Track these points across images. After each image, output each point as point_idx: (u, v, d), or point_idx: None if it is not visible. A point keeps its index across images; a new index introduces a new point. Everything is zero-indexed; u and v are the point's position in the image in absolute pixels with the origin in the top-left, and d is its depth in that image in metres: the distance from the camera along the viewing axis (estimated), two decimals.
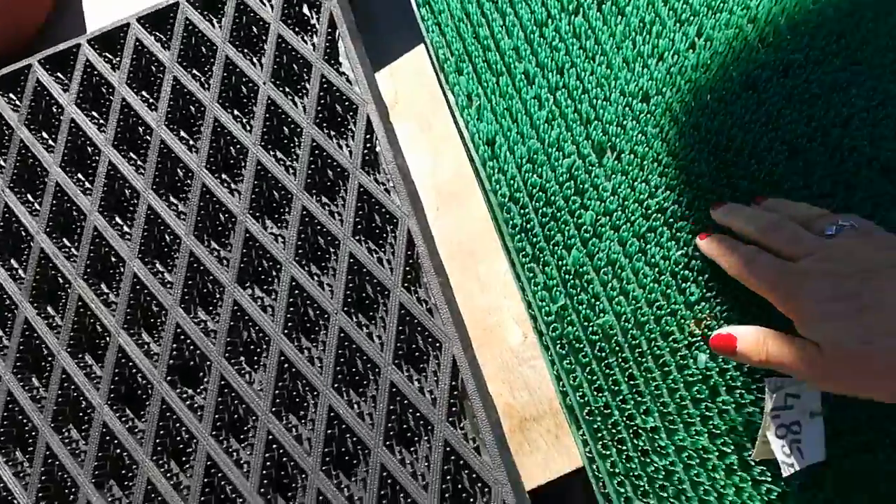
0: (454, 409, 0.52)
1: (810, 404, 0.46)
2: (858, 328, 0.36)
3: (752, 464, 0.48)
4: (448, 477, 0.51)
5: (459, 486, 0.52)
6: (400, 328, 0.54)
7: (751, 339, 0.43)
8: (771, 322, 0.45)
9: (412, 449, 0.54)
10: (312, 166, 0.59)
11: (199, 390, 0.58)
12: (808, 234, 0.42)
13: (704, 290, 0.50)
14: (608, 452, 0.50)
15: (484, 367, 0.55)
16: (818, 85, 0.52)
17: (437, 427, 0.51)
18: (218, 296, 0.58)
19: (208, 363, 0.56)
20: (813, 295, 0.37)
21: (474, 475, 0.51)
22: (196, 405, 0.56)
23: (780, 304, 0.42)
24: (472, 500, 0.52)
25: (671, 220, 0.52)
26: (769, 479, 0.47)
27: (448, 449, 0.51)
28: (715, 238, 0.46)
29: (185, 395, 0.57)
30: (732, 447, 0.48)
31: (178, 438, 0.57)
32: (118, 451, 0.57)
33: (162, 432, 0.56)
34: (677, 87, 0.54)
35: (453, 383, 0.52)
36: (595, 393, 0.51)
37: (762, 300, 0.48)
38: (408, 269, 0.55)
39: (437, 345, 0.53)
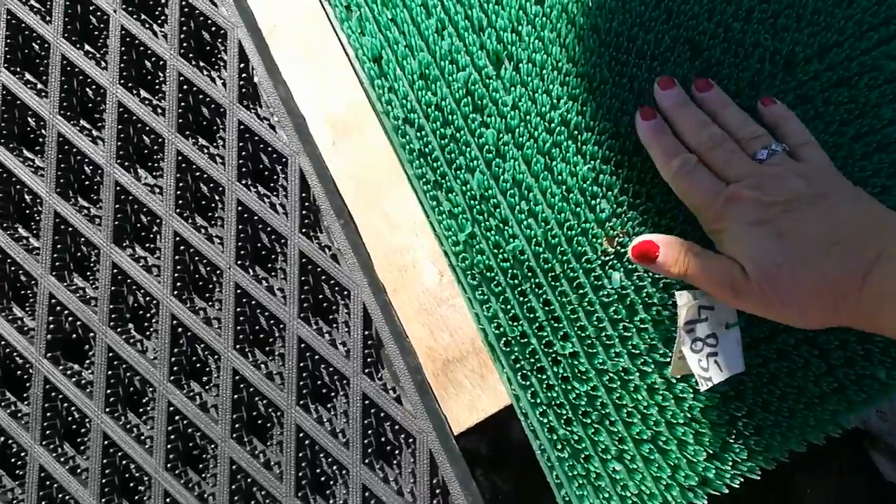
0: (370, 359, 0.48)
1: (725, 315, 0.44)
2: (774, 252, 0.36)
3: (674, 381, 0.46)
4: (370, 431, 0.47)
5: (383, 439, 0.49)
6: (303, 278, 0.49)
7: (672, 249, 0.41)
8: (684, 237, 0.43)
9: (329, 406, 0.49)
10: (183, 104, 0.51)
11: (85, 364, 0.51)
12: (742, 159, 0.41)
13: (615, 206, 0.47)
14: (528, 383, 0.47)
15: (400, 311, 0.50)
16: None
17: (353, 380, 0.47)
18: (94, 259, 0.51)
19: (92, 334, 0.49)
20: (738, 218, 0.38)
21: (397, 426, 0.47)
22: (84, 381, 0.50)
23: (706, 224, 0.41)
24: (397, 452, 0.48)
25: (576, 132, 0.48)
26: (691, 396, 0.46)
27: (367, 402, 0.47)
28: (656, 129, 0.43)
29: (70, 372, 0.50)
30: (653, 366, 0.46)
31: (70, 419, 0.50)
32: (2, 439, 0.50)
33: (49, 414, 0.49)
34: None
35: (366, 332, 0.48)
36: (511, 322, 0.47)
37: (674, 214, 0.45)
38: (305, 212, 0.49)
39: (346, 293, 0.48)
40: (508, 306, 0.47)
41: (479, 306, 0.47)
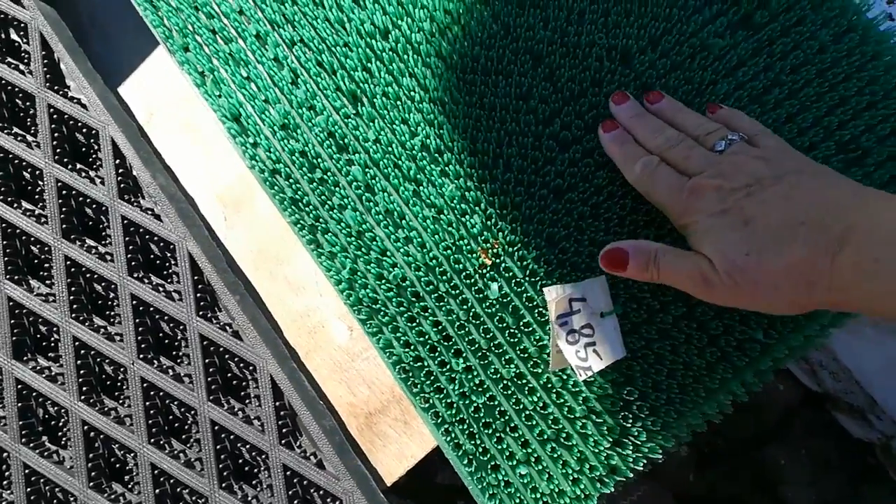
0: (286, 429, 0.47)
1: (598, 305, 0.45)
2: (741, 241, 0.35)
3: (567, 376, 0.47)
4: (297, 501, 0.46)
5: None
6: (207, 360, 0.48)
7: (641, 253, 0.40)
8: (557, 240, 0.44)
9: (254, 482, 0.48)
10: (65, 209, 0.50)
11: (4, 485, 0.49)
12: (702, 152, 0.40)
13: (485, 219, 0.48)
14: (429, 404, 0.47)
15: (316, 373, 0.49)
16: None
17: (271, 454, 0.46)
18: None
19: (6, 454, 0.49)
20: (703, 209, 0.37)
21: (322, 491, 0.46)
22: (4, 502, 0.49)
23: (674, 220, 0.40)
24: None
25: (437, 155, 0.48)
26: (585, 388, 0.46)
27: (289, 472, 0.46)
28: (618, 139, 0.43)
29: None
30: (544, 366, 0.47)
31: None
32: None
33: None
34: (412, 18, 0.50)
35: (278, 403, 0.47)
36: (405, 348, 0.48)
37: (540, 218, 0.47)
38: (200, 295, 0.49)
39: (252, 367, 0.48)
40: (399, 333, 0.48)
41: (371, 338, 0.48)
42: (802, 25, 0.47)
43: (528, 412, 0.45)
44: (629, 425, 0.45)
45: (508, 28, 0.49)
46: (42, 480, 0.48)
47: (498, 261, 0.46)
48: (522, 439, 0.45)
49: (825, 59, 0.47)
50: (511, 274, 0.46)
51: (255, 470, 0.48)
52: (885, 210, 0.33)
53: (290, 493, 0.46)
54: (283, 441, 0.46)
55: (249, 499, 0.46)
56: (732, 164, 0.38)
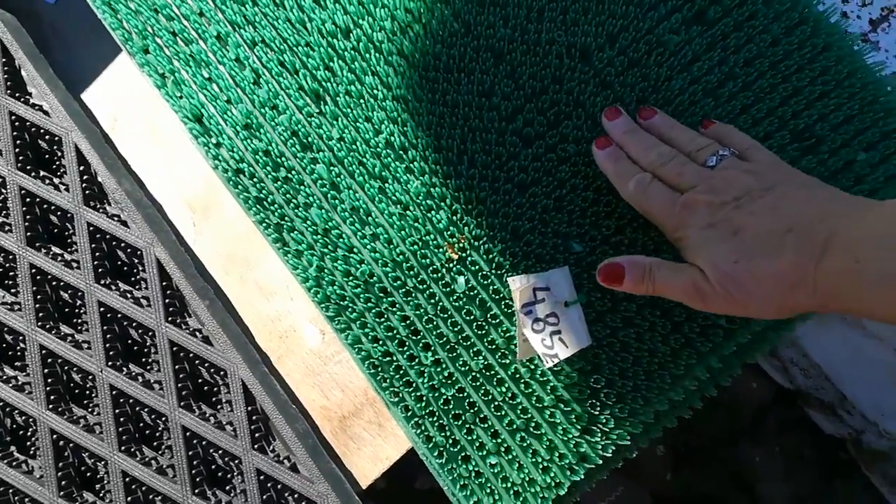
0: (258, 434, 0.47)
1: (562, 294, 0.45)
2: (731, 250, 0.35)
3: (535, 366, 0.47)
4: None
5: None
6: (177, 367, 0.47)
7: (637, 268, 0.40)
8: (521, 233, 0.45)
9: (227, 488, 0.48)
10: (29, 216, 0.49)
11: None
12: (694, 168, 0.41)
13: (451, 214, 0.48)
14: (399, 398, 0.47)
15: (289, 377, 0.49)
16: None
17: (244, 458, 0.46)
18: None
19: None
20: (695, 223, 0.37)
21: (297, 495, 0.46)
22: None
23: (668, 234, 0.40)
24: None
25: (401, 152, 0.49)
26: (552, 377, 0.47)
27: (262, 477, 0.46)
28: (612, 156, 0.44)
29: None
30: (512, 357, 0.47)
31: None
32: None
33: None
34: (373, 17, 0.50)
35: (250, 408, 0.47)
36: (373, 343, 0.48)
37: (505, 212, 0.47)
38: (168, 301, 0.48)
39: (223, 372, 0.47)
40: (367, 329, 0.48)
41: (340, 335, 0.48)
42: (755, 20, 0.48)
43: (497, 403, 0.45)
44: (597, 413, 0.45)
45: (469, 26, 0.49)
46: (11, 491, 0.46)
47: (464, 255, 0.46)
48: (492, 430, 0.45)
49: (777, 51, 0.48)
50: (477, 267, 0.46)
51: (229, 475, 0.47)
52: (866, 214, 0.33)
53: (264, 497, 0.45)
54: (255, 446, 0.46)
55: None
56: (723, 178, 0.38)
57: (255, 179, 0.49)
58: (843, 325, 0.96)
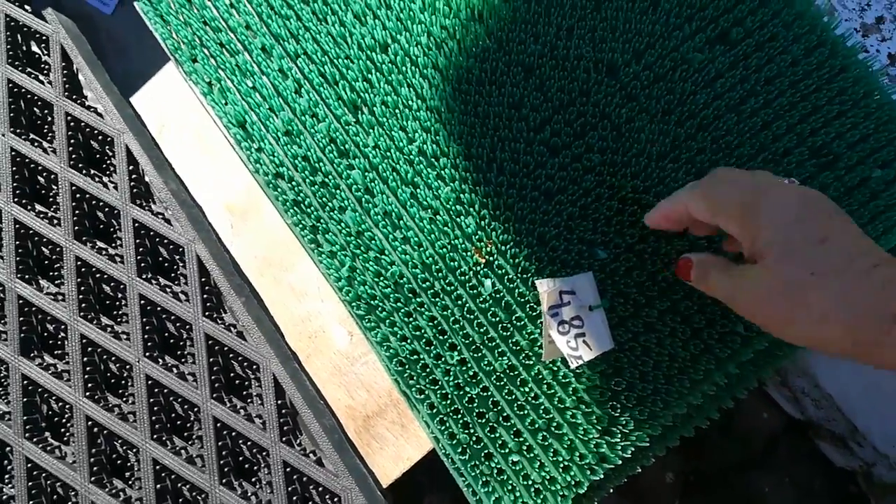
0: (286, 427, 0.48)
1: (587, 298, 0.47)
2: (813, 258, 0.31)
3: (557, 368, 0.49)
4: (296, 498, 0.47)
5: (310, 503, 0.48)
6: (212, 359, 0.49)
7: (698, 268, 0.39)
8: (547, 238, 0.46)
9: (253, 479, 0.49)
10: (78, 212, 0.52)
11: (5, 480, 0.50)
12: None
13: (478, 219, 0.50)
14: (424, 395, 0.49)
15: (316, 376, 0.50)
16: (536, 3, 0.53)
17: (272, 450, 0.47)
18: (3, 373, 0.51)
19: (9, 448, 0.49)
20: (779, 211, 0.33)
21: (321, 488, 0.47)
22: (5, 497, 0.49)
23: (738, 221, 0.35)
24: None
25: (433, 160, 0.51)
26: (574, 379, 0.48)
27: (289, 469, 0.47)
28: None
29: None
30: (535, 359, 0.49)
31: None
32: None
33: None
34: (410, 32, 0.53)
35: (280, 401, 0.48)
36: (401, 342, 0.50)
37: (532, 218, 0.49)
38: (206, 296, 0.50)
39: (255, 366, 0.49)
40: (396, 328, 0.50)
41: (369, 333, 0.50)
42: (775, 41, 0.50)
43: (519, 403, 0.47)
44: (617, 415, 0.46)
45: (501, 42, 0.52)
46: (44, 475, 0.48)
47: (491, 259, 0.48)
48: (514, 429, 0.47)
49: (797, 71, 0.50)
50: (504, 271, 0.48)
51: (255, 467, 0.48)
52: None
53: (289, 489, 0.46)
54: (283, 438, 0.47)
55: (249, 495, 0.47)
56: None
57: (293, 183, 0.51)
58: None
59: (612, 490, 0.46)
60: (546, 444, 0.46)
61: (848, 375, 0.97)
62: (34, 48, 0.53)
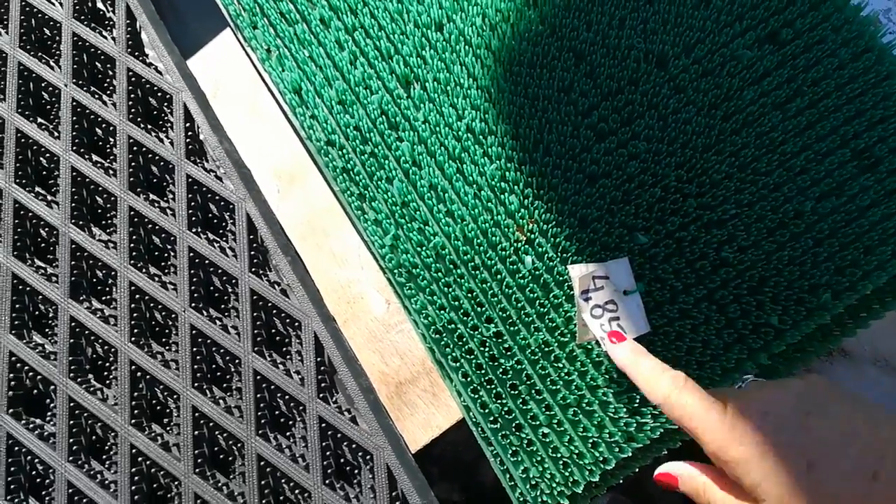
0: (324, 384, 0.48)
1: (621, 283, 0.47)
2: (806, 491, 0.29)
3: (591, 347, 0.49)
4: (328, 453, 0.47)
5: (342, 459, 0.48)
6: (255, 314, 0.49)
7: (690, 484, 0.36)
8: (589, 220, 0.47)
9: (288, 434, 0.49)
10: (133, 164, 0.52)
11: (47, 418, 0.50)
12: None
13: (522, 198, 0.50)
14: (459, 364, 0.50)
15: (352, 340, 0.50)
16: None
17: (308, 406, 0.47)
18: (52, 315, 0.51)
19: (53, 387, 0.49)
20: (753, 441, 0.31)
21: (354, 445, 0.47)
22: (46, 433, 0.49)
23: (715, 450, 0.33)
24: (356, 471, 0.48)
25: (481, 138, 0.52)
26: (607, 359, 0.48)
27: (324, 425, 0.47)
28: (629, 348, 0.41)
29: (32, 426, 0.49)
30: (570, 336, 0.49)
31: (33, 472, 0.49)
32: None
33: (14, 469, 0.49)
34: (465, 13, 0.53)
35: (319, 359, 0.48)
36: (439, 311, 0.50)
37: (574, 200, 0.49)
38: (253, 253, 0.50)
39: (297, 324, 0.48)
40: (435, 297, 0.50)
41: (408, 301, 0.50)
42: (824, 44, 0.51)
43: (552, 378, 0.47)
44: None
45: (554, 28, 0.52)
46: (85, 415, 0.49)
47: (532, 237, 0.49)
48: (545, 403, 0.47)
49: (843, 74, 0.50)
50: (543, 250, 0.49)
51: (291, 422, 0.48)
52: None
53: (322, 444, 0.46)
54: (320, 395, 0.47)
55: (283, 448, 0.47)
56: (769, 392, 0.34)
57: (343, 151, 0.52)
58: (875, 370, 0.96)
59: (637, 470, 0.47)
60: (576, 419, 0.46)
61: (870, 390, 0.97)
62: (99, 4, 0.54)
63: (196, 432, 0.47)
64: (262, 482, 0.47)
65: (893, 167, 0.47)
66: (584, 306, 0.44)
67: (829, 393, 0.32)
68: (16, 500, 0.48)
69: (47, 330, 0.51)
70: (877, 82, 0.49)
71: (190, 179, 0.50)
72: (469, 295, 0.48)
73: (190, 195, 0.50)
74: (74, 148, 0.51)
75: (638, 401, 0.45)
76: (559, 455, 0.45)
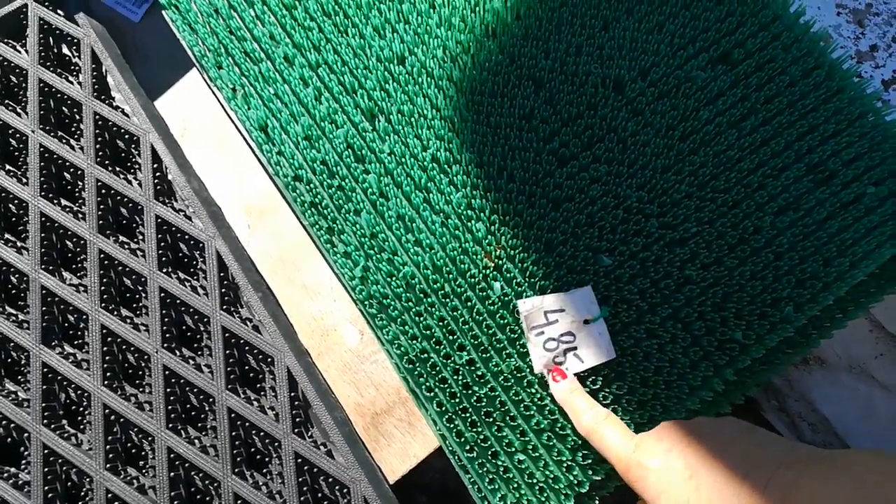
0: (298, 419, 0.47)
1: (582, 312, 0.48)
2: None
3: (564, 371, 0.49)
4: (305, 488, 0.46)
5: (319, 494, 0.47)
6: (228, 352, 0.49)
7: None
8: (554, 244, 0.47)
9: (264, 471, 0.48)
10: (102, 207, 0.52)
11: (21, 466, 0.49)
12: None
13: (488, 225, 0.50)
14: (433, 394, 0.49)
15: (327, 373, 0.50)
16: (547, 21, 0.54)
17: (284, 441, 0.46)
18: (24, 361, 0.50)
19: (27, 434, 0.48)
20: (651, 466, 0.38)
21: (331, 479, 0.46)
22: (21, 482, 0.48)
23: (625, 479, 0.40)
24: None
25: (446, 167, 0.52)
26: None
27: (300, 460, 0.46)
28: (567, 387, 0.46)
29: (7, 475, 0.48)
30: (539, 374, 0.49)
31: None
32: None
33: None
34: (426, 46, 0.54)
35: (292, 394, 0.47)
36: (411, 341, 0.50)
37: (539, 225, 0.50)
38: (224, 290, 0.50)
39: (270, 359, 0.48)
40: (406, 327, 0.50)
41: (379, 332, 0.51)
42: (774, 62, 0.52)
43: (525, 403, 0.47)
44: (619, 417, 0.47)
45: (513, 58, 0.53)
46: (59, 461, 0.48)
47: (500, 262, 0.49)
48: (520, 429, 0.47)
49: (795, 91, 0.51)
50: (512, 275, 0.49)
51: (267, 458, 0.48)
52: (829, 468, 0.31)
53: (299, 479, 0.46)
54: (295, 430, 0.47)
55: (260, 485, 0.47)
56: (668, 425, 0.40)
57: (311, 186, 0.52)
58: (849, 377, 0.96)
59: (612, 489, 0.47)
60: (550, 444, 0.46)
61: (844, 396, 0.97)
62: (65, 50, 0.54)
63: (172, 473, 0.46)
64: None
65: (847, 180, 0.48)
66: (536, 341, 0.44)
67: (722, 423, 0.38)
68: None
69: (20, 377, 0.50)
70: (828, 97, 0.50)
71: (159, 220, 0.50)
72: (440, 323, 0.48)
73: (160, 235, 0.50)
74: (43, 193, 0.51)
75: None
76: (535, 480, 0.45)
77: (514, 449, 0.45)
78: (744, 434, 0.36)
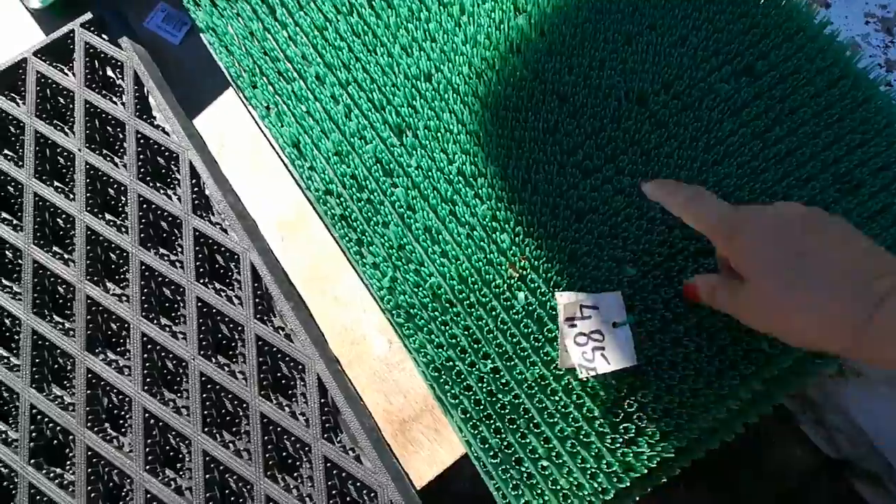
0: (328, 424, 0.49)
1: (612, 315, 0.48)
2: (791, 271, 0.34)
3: (587, 379, 0.50)
4: (334, 492, 0.48)
5: (348, 498, 0.49)
6: (261, 359, 0.50)
7: (704, 289, 0.43)
8: (578, 255, 0.48)
9: (295, 474, 0.50)
10: (143, 221, 0.54)
11: (67, 466, 0.52)
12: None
13: (513, 236, 0.51)
14: (458, 401, 0.50)
15: (356, 381, 0.51)
16: (571, 37, 0.55)
17: (314, 446, 0.48)
18: (70, 367, 0.53)
19: (72, 437, 0.51)
20: (756, 234, 0.36)
21: (359, 483, 0.47)
22: (66, 482, 0.50)
23: (721, 241, 0.38)
24: None
25: (471, 180, 0.53)
26: (601, 390, 0.49)
27: (329, 464, 0.48)
28: (657, 181, 0.43)
29: (53, 475, 0.51)
30: (565, 369, 0.50)
31: None
32: None
33: None
34: (452, 63, 0.56)
35: (322, 401, 0.49)
36: (437, 350, 0.51)
37: (563, 236, 0.51)
38: (258, 300, 0.51)
39: (301, 367, 0.50)
40: (433, 336, 0.51)
41: (406, 340, 0.52)
42: (799, 73, 0.52)
43: (549, 411, 0.48)
44: (644, 426, 0.47)
45: (537, 73, 0.54)
46: (102, 463, 0.50)
47: (524, 273, 0.50)
48: (544, 436, 0.48)
49: (820, 101, 0.51)
50: (536, 285, 0.50)
51: (297, 462, 0.49)
52: None
53: (328, 483, 0.47)
54: (325, 435, 0.48)
55: (291, 488, 0.48)
56: (782, 205, 0.38)
57: (341, 199, 0.54)
58: (888, 387, 0.93)
59: (636, 499, 0.47)
60: (574, 451, 0.47)
61: (883, 408, 0.94)
62: (110, 73, 0.57)
63: (207, 476, 0.48)
64: None
65: (875, 189, 0.48)
66: (568, 332, 0.45)
67: (830, 216, 0.36)
68: None
69: (65, 382, 0.52)
70: (854, 107, 0.50)
71: (197, 233, 0.52)
72: (466, 332, 0.49)
73: (197, 248, 0.52)
74: (88, 208, 0.53)
75: (634, 431, 0.46)
76: (559, 487, 0.46)
77: (538, 456, 0.46)
78: (859, 234, 0.35)
